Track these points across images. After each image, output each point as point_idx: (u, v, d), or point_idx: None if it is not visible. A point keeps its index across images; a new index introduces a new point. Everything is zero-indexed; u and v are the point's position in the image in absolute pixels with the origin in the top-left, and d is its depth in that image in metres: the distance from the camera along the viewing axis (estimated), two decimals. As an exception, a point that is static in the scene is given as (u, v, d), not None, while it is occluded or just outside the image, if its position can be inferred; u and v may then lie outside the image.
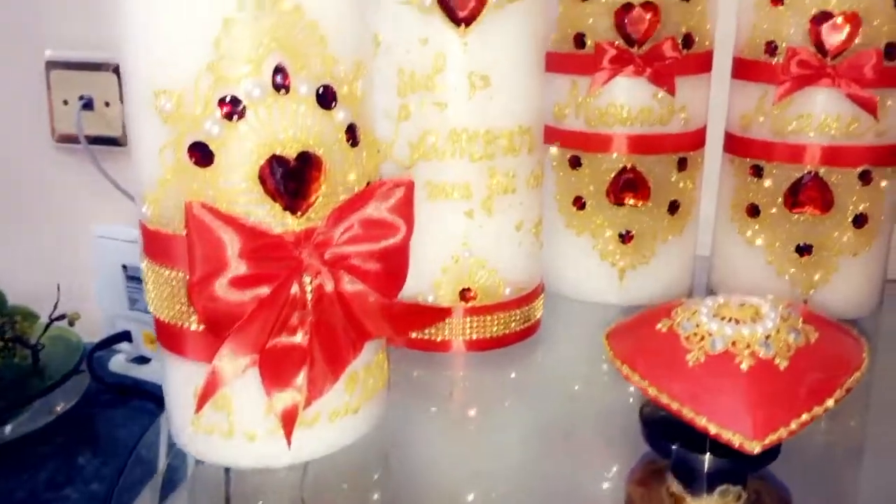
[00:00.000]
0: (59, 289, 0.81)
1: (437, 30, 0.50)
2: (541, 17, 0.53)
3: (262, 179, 0.38)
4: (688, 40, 0.60)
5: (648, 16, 0.58)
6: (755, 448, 0.38)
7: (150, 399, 0.81)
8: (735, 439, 0.38)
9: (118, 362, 0.88)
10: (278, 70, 0.37)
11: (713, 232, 0.68)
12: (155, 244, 0.41)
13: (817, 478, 0.48)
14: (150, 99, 0.38)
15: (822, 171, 0.59)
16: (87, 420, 0.78)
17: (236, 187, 0.38)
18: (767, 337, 0.42)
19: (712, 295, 0.66)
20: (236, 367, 0.38)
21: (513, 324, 0.57)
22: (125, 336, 0.88)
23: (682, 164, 0.63)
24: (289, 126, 0.38)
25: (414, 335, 0.56)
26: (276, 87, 0.37)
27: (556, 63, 0.62)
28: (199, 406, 0.38)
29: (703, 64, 0.62)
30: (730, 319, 0.43)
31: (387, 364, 0.47)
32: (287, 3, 0.37)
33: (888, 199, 0.60)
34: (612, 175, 0.63)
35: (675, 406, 0.41)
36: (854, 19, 0.55)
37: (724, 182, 0.65)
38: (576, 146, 0.63)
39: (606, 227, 0.64)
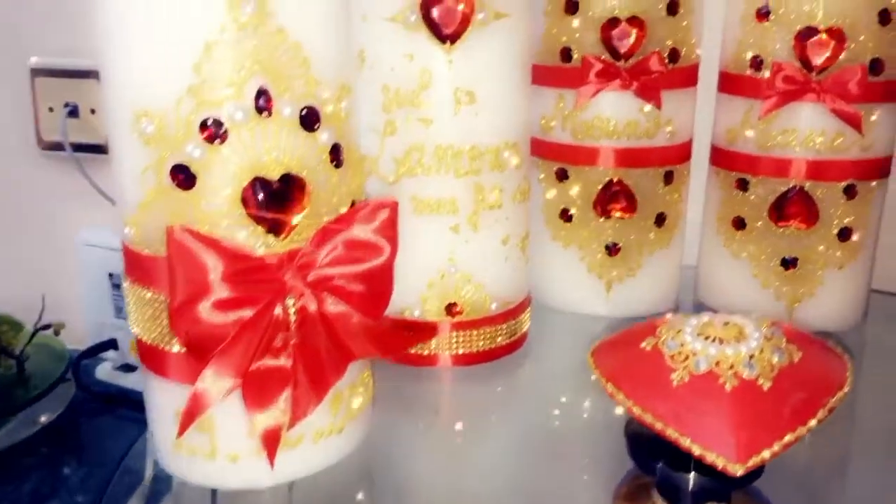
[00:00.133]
0: (43, 299, 0.81)
1: (423, 46, 0.50)
2: (526, 33, 0.53)
3: (245, 202, 0.38)
4: (674, 54, 0.60)
5: (634, 30, 0.58)
6: (738, 471, 0.38)
7: (137, 408, 0.80)
8: (718, 461, 0.38)
9: (104, 370, 0.87)
10: (261, 93, 0.37)
11: (699, 244, 0.68)
12: (136, 265, 0.40)
13: (802, 492, 0.48)
14: (131, 120, 0.38)
15: (807, 185, 0.59)
16: (73, 430, 0.77)
17: (219, 210, 0.38)
18: (751, 357, 0.42)
19: (697, 312, 0.67)
20: (219, 391, 0.38)
21: (499, 338, 0.57)
22: (111, 344, 0.88)
23: (668, 178, 0.63)
24: (271, 148, 0.38)
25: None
26: (259, 110, 0.37)
27: (542, 76, 0.62)
28: (181, 431, 0.38)
29: (689, 78, 0.62)
30: (714, 339, 0.43)
31: (372, 382, 0.47)
32: (270, 26, 0.37)
33: (873, 213, 0.60)
34: (599, 188, 0.63)
35: (659, 426, 0.42)
36: (839, 35, 0.55)
37: (710, 195, 0.66)
38: (562, 159, 0.63)
39: (593, 239, 0.64)
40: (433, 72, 0.51)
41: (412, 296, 0.55)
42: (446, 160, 0.52)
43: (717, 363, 0.42)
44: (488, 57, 0.51)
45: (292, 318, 0.39)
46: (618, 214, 0.63)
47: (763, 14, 0.57)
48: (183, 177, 0.37)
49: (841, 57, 0.56)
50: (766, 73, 0.58)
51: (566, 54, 0.61)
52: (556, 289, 0.67)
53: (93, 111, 0.87)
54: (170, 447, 0.42)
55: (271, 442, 0.40)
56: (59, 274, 0.90)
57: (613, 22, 0.59)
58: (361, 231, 0.40)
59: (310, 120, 0.39)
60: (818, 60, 0.56)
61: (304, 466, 0.43)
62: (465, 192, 0.53)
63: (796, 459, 0.50)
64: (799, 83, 0.56)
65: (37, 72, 0.87)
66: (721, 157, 0.63)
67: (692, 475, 0.42)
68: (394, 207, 0.41)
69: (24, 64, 0.87)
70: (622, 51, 0.59)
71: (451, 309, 0.55)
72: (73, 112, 0.87)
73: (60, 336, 0.81)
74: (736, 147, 0.61)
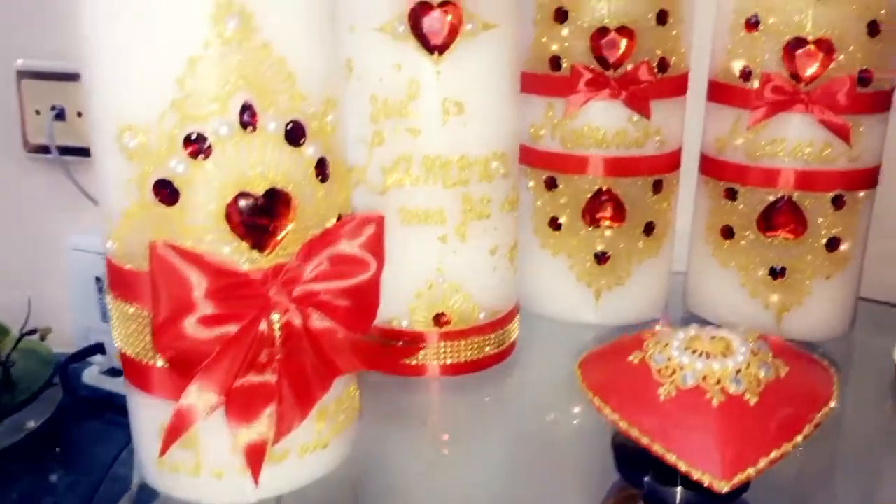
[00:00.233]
0: (29, 303, 0.80)
1: (411, 57, 0.50)
2: (514, 43, 0.53)
3: (229, 217, 0.37)
4: (663, 64, 0.60)
5: (624, 40, 0.58)
6: (724, 488, 0.38)
7: (124, 413, 0.79)
8: (704, 478, 0.38)
9: (92, 375, 0.87)
10: (245, 108, 0.36)
11: (688, 253, 0.68)
12: (119, 280, 0.40)
13: (789, 501, 0.48)
14: (114, 134, 0.37)
15: (795, 195, 0.59)
16: (60, 435, 0.76)
17: (203, 225, 0.37)
18: (738, 372, 0.42)
19: (686, 319, 0.67)
20: (203, 408, 0.38)
21: (487, 348, 0.57)
22: (98, 349, 0.87)
23: (657, 186, 0.63)
24: (256, 163, 0.37)
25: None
26: (244, 125, 0.37)
27: (531, 84, 0.61)
28: (164, 449, 0.38)
29: (679, 87, 0.62)
30: (701, 353, 0.43)
31: (358, 396, 0.47)
32: (255, 41, 0.36)
33: (861, 223, 0.61)
34: (588, 196, 0.62)
35: (646, 441, 0.42)
36: (828, 46, 0.55)
37: (699, 203, 0.66)
38: (552, 168, 0.63)
39: (582, 248, 0.64)
40: (421, 82, 0.50)
41: (400, 306, 0.55)
42: (434, 171, 0.52)
43: (704, 378, 0.42)
44: (477, 67, 0.51)
45: (277, 333, 0.39)
46: (607, 223, 0.63)
47: (752, 24, 0.57)
48: (166, 192, 0.37)
49: (830, 67, 0.56)
50: (755, 84, 0.58)
51: (555, 63, 0.61)
52: (545, 297, 0.67)
53: (79, 114, 0.86)
54: (153, 462, 0.42)
55: (256, 458, 0.39)
56: (46, 278, 0.90)
57: (603, 31, 0.58)
58: (347, 246, 0.40)
59: (295, 134, 0.38)
60: (807, 71, 0.56)
61: (290, 482, 0.42)
62: (454, 203, 0.53)
63: (783, 469, 0.50)
64: (788, 94, 0.56)
65: (23, 74, 0.86)
66: (710, 166, 0.63)
67: (679, 489, 0.42)
68: (380, 222, 0.41)
69: (10, 66, 0.86)
70: (611, 60, 0.59)
71: (439, 319, 0.55)
72: (60, 115, 0.87)
73: (47, 341, 0.81)
74: (725, 156, 0.61)
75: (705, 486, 0.38)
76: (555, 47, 0.60)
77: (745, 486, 0.41)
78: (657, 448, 0.41)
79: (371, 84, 0.51)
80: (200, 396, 0.38)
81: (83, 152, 0.87)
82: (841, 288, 0.62)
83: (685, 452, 0.40)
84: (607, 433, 0.46)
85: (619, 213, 0.63)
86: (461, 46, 0.50)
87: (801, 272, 0.60)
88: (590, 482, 0.50)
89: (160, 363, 0.39)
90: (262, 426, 0.39)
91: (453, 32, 0.49)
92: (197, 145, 0.36)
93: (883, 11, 0.55)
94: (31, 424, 0.74)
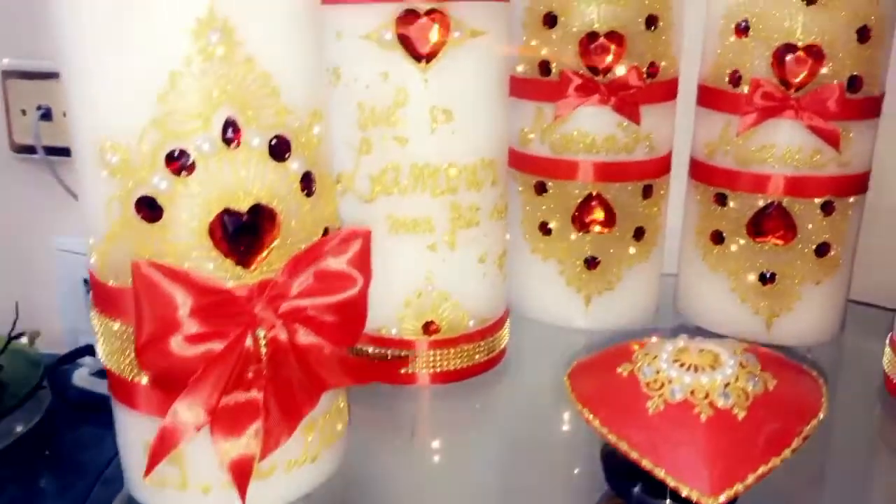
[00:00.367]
0: (17, 306, 0.79)
1: (398, 65, 0.49)
2: (502, 51, 0.53)
3: (213, 234, 0.37)
4: (652, 69, 0.60)
5: (613, 45, 0.58)
6: (711, 504, 0.38)
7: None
8: (693, 495, 0.38)
9: (81, 376, 0.86)
10: (228, 124, 0.36)
11: (678, 257, 0.68)
12: (103, 296, 0.40)
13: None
14: (96, 151, 0.37)
15: (785, 200, 0.59)
16: (49, 439, 0.76)
17: (186, 242, 0.37)
18: (726, 385, 0.42)
19: (676, 323, 0.67)
20: (188, 428, 0.37)
21: (477, 355, 0.57)
22: (88, 350, 0.87)
23: (647, 191, 0.63)
24: (240, 179, 0.37)
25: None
26: (227, 141, 0.36)
27: (521, 89, 0.61)
28: (149, 468, 0.37)
29: (668, 92, 0.62)
30: (689, 366, 0.43)
31: (347, 408, 0.47)
32: (238, 56, 0.36)
33: (850, 229, 0.60)
34: (578, 201, 0.62)
35: (634, 455, 0.41)
36: (817, 52, 0.55)
37: (689, 208, 0.65)
38: (541, 173, 0.63)
39: (572, 253, 0.64)
40: (409, 91, 0.50)
41: (389, 314, 0.55)
42: (423, 179, 0.51)
43: (692, 392, 0.42)
44: (465, 75, 0.51)
45: (263, 349, 0.38)
46: (597, 229, 0.63)
47: (742, 30, 0.57)
48: (149, 209, 0.36)
49: (819, 74, 0.56)
50: (745, 89, 0.57)
51: (545, 67, 0.60)
52: (535, 301, 0.66)
53: (65, 114, 0.85)
54: (140, 477, 0.41)
55: (242, 474, 0.39)
56: (34, 279, 0.89)
57: (592, 36, 0.58)
58: (334, 262, 0.39)
59: (280, 149, 0.38)
60: (796, 78, 0.56)
61: (277, 497, 0.42)
62: (442, 211, 0.53)
63: (771, 475, 0.50)
64: (777, 100, 0.56)
65: (8, 74, 0.85)
66: (700, 171, 0.63)
67: (668, 502, 0.42)
68: (366, 237, 0.40)
69: (-6, 67, 0.85)
70: (601, 66, 0.58)
71: (428, 327, 0.55)
72: (47, 115, 0.86)
73: (36, 343, 0.80)
74: (715, 161, 0.61)
75: (694, 502, 0.38)
76: (544, 52, 0.60)
77: (733, 501, 0.41)
78: (646, 463, 0.41)
79: (358, 91, 0.50)
80: (186, 415, 0.37)
81: (70, 152, 0.86)
82: (830, 293, 0.62)
83: (673, 468, 0.40)
84: (597, 442, 0.46)
85: (609, 218, 0.62)
86: (449, 54, 0.49)
87: (791, 278, 0.60)
88: (579, 491, 0.50)
89: (145, 380, 0.39)
90: (248, 442, 0.39)
91: (441, 40, 0.49)
92: (179, 162, 0.36)
93: (873, 17, 0.55)
94: (20, 429, 0.73)
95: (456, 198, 0.53)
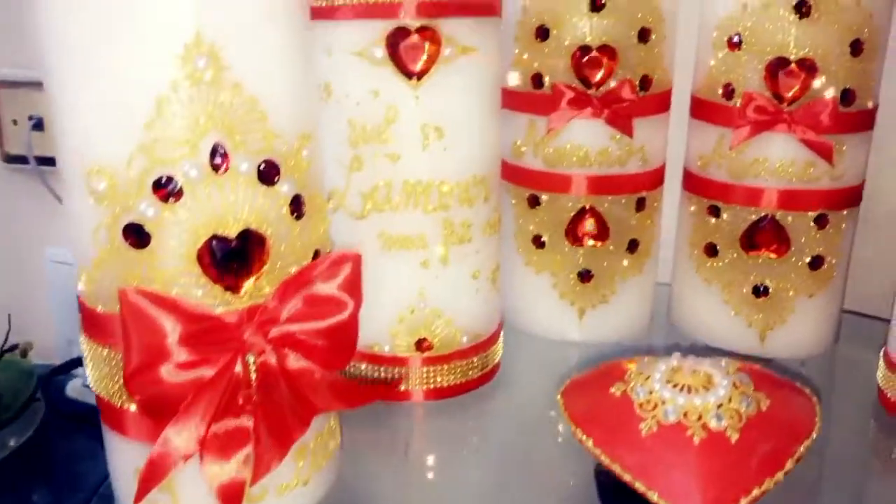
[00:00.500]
0: (9, 319, 0.79)
1: (389, 82, 0.49)
2: (494, 67, 0.52)
3: (202, 260, 0.36)
4: (645, 82, 0.59)
5: (605, 59, 0.57)
6: (705, 529, 0.38)
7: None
8: (685, 519, 0.38)
9: (75, 387, 0.86)
10: (216, 150, 0.36)
11: (672, 269, 0.68)
12: (92, 322, 0.39)
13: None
14: (82, 177, 0.36)
15: (778, 214, 0.58)
16: (43, 452, 0.75)
17: (175, 268, 0.36)
18: (719, 406, 0.42)
19: (671, 334, 0.67)
20: (178, 457, 0.37)
21: (471, 371, 0.57)
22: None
23: (640, 204, 0.63)
24: (229, 205, 0.36)
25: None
26: (215, 167, 0.36)
27: (513, 101, 0.61)
28: (139, 497, 0.37)
29: (661, 104, 0.62)
30: (682, 387, 0.43)
31: (339, 430, 0.46)
32: (225, 81, 0.35)
33: (844, 242, 0.60)
34: (571, 215, 0.62)
35: (627, 477, 0.41)
36: (810, 66, 0.55)
37: (683, 220, 0.65)
38: (534, 186, 0.62)
39: (566, 266, 0.63)
40: (399, 108, 0.49)
41: (382, 331, 0.54)
42: (415, 196, 0.51)
43: (686, 414, 0.42)
44: (456, 92, 0.50)
45: (253, 375, 0.38)
46: (590, 242, 0.62)
47: (735, 43, 0.57)
48: (136, 236, 0.36)
49: (812, 87, 0.55)
50: (738, 102, 0.57)
51: (537, 80, 0.60)
52: (528, 314, 0.66)
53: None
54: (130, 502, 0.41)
55: (232, 500, 0.39)
56: (26, 290, 0.89)
57: (584, 50, 0.58)
58: (324, 286, 0.39)
59: (269, 174, 0.38)
60: (789, 91, 0.55)
61: (269, 522, 0.42)
62: (435, 228, 0.52)
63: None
64: (770, 114, 0.56)
65: (0, 84, 0.85)
66: (694, 183, 0.63)
67: (661, 523, 0.42)
68: (356, 260, 0.40)
69: (-14, 77, 0.85)
70: (593, 79, 0.58)
71: (421, 344, 0.55)
72: (38, 125, 0.85)
73: (29, 354, 0.80)
74: (708, 174, 0.61)
75: (686, 525, 0.38)
76: (536, 65, 0.60)
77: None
78: (639, 486, 0.41)
79: (349, 108, 0.50)
80: (176, 443, 0.37)
81: (62, 163, 0.86)
82: (824, 306, 0.61)
83: (667, 491, 0.40)
84: (591, 459, 0.46)
85: (603, 232, 0.62)
86: (440, 71, 0.49)
87: (785, 291, 0.60)
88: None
89: (134, 407, 0.39)
90: (238, 468, 0.39)
91: (432, 57, 0.48)
92: (167, 189, 0.35)
93: (866, 31, 0.55)
94: (13, 442, 0.73)
95: (448, 214, 0.52)
